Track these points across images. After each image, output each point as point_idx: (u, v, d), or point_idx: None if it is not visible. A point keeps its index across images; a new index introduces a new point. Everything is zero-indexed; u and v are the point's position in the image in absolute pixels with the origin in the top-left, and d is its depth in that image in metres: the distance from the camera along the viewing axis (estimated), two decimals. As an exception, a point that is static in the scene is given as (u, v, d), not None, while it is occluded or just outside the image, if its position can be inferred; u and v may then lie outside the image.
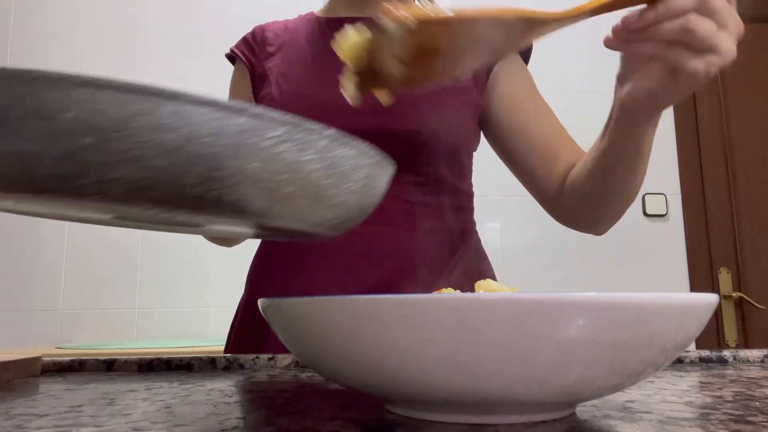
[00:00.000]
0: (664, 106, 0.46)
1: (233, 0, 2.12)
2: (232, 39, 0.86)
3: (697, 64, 0.40)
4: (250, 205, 0.26)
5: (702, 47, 0.39)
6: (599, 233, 0.70)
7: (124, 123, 0.22)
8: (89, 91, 0.22)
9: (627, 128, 0.50)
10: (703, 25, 0.39)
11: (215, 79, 2.03)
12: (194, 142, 0.23)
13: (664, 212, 2.03)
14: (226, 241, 0.78)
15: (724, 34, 0.40)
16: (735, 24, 0.40)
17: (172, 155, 0.23)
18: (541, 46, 2.37)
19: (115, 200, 0.24)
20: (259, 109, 0.25)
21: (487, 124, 0.76)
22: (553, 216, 0.73)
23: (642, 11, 0.41)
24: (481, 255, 0.76)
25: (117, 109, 0.22)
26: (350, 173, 0.29)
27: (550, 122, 0.72)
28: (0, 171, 0.23)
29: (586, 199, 0.64)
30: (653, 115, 0.48)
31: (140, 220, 0.31)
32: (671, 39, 0.40)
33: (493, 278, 0.74)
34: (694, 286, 1.98)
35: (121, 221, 0.33)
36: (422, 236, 0.70)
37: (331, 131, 0.27)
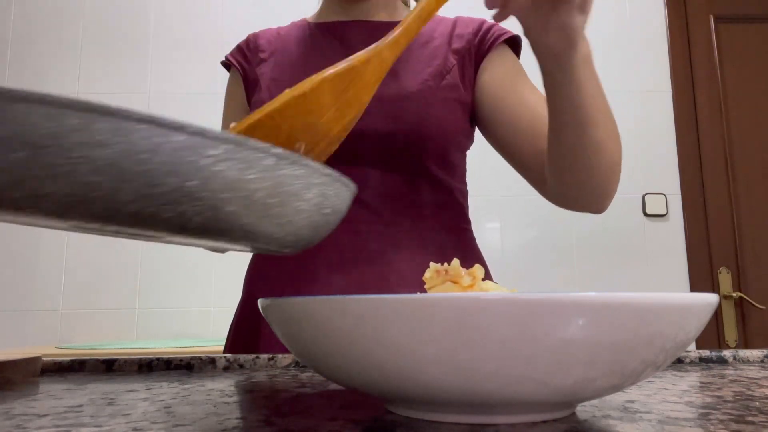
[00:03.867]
0: (576, 27, 0.48)
1: (233, 3, 2.11)
2: (231, 40, 0.87)
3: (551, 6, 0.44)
4: (190, 223, 0.26)
5: None
6: (592, 209, 0.66)
7: (57, 138, 0.22)
8: (24, 105, 0.21)
9: (555, 76, 0.52)
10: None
11: (215, 81, 2.04)
12: (130, 159, 0.23)
13: (664, 212, 2.03)
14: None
15: None
16: None
17: (106, 171, 0.23)
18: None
19: (50, 214, 0.24)
20: (200, 128, 0.24)
21: (476, 115, 0.76)
22: (545, 197, 0.72)
23: None
24: (476, 254, 0.76)
25: (50, 123, 0.22)
26: (300, 192, 0.29)
27: (536, 103, 0.71)
28: None
29: (553, 168, 0.62)
30: (571, 46, 0.49)
31: (95, 230, 0.30)
32: None
33: (489, 278, 0.74)
34: (694, 286, 1.98)
35: (80, 229, 0.32)
36: (417, 235, 0.70)
37: (278, 150, 0.27)
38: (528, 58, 0.60)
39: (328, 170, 0.30)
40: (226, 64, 0.82)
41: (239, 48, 0.81)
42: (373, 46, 0.43)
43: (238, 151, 0.25)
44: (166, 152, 0.24)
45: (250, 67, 0.79)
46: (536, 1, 0.47)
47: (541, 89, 0.58)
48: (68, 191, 0.23)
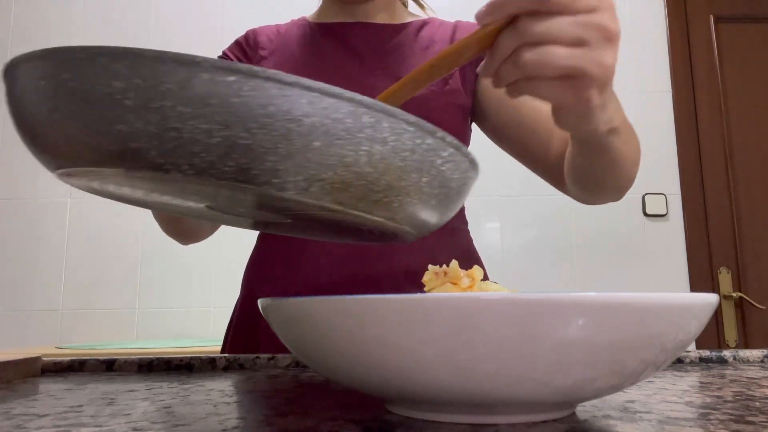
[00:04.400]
0: (586, 125, 0.42)
1: (233, 3, 2.12)
2: (231, 40, 0.86)
3: (557, 91, 0.36)
4: (401, 213, 0.30)
5: (552, 73, 0.35)
6: (611, 201, 0.67)
7: (352, 132, 0.25)
8: (333, 101, 0.25)
9: (575, 141, 0.50)
10: (536, 56, 0.34)
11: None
12: (396, 155, 0.27)
13: (664, 212, 2.03)
14: (183, 237, 0.77)
15: (582, 51, 0.34)
16: (597, 34, 0.34)
17: (377, 165, 0.26)
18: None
19: (310, 197, 0.27)
20: (441, 132, 0.28)
21: (479, 112, 0.76)
22: (562, 191, 0.72)
23: (485, 61, 0.38)
24: (474, 255, 0.76)
25: (352, 119, 0.25)
26: (461, 191, 0.33)
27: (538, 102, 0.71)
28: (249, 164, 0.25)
29: (573, 182, 0.63)
30: (586, 131, 0.43)
31: (236, 214, 0.35)
32: (517, 78, 0.36)
33: (486, 279, 0.74)
34: (694, 286, 1.98)
35: (211, 212, 0.36)
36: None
37: (470, 156, 0.31)
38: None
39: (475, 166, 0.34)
40: (224, 59, 0.81)
41: (238, 43, 0.80)
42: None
43: (456, 155, 0.30)
44: (420, 152, 0.27)
45: (249, 64, 0.78)
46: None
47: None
48: (340, 179, 0.26)
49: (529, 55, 0.34)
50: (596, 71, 0.35)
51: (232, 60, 0.79)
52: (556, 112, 0.40)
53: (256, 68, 0.24)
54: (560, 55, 0.34)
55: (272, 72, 0.24)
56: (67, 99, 0.24)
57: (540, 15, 0.34)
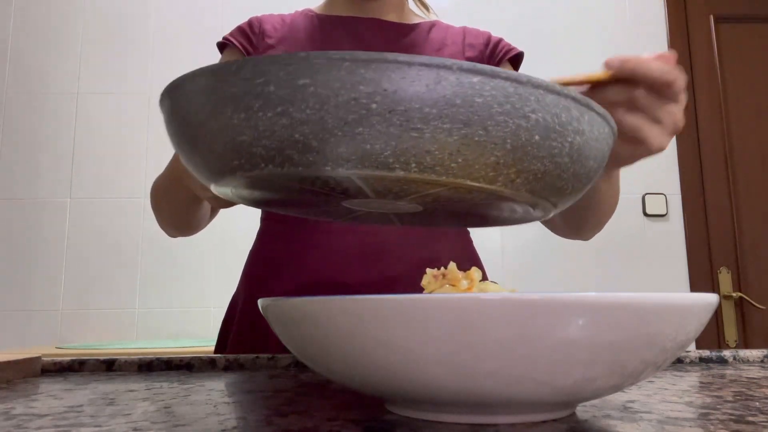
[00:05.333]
0: (610, 174, 0.53)
1: (234, 3, 2.12)
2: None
3: (621, 147, 0.46)
4: (567, 196, 0.32)
5: (623, 134, 0.45)
6: (582, 239, 0.76)
7: (564, 125, 0.27)
8: (555, 97, 0.26)
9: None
10: (624, 119, 0.44)
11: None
12: (590, 147, 0.29)
13: (664, 212, 2.03)
14: (183, 230, 0.77)
15: (656, 128, 0.44)
16: (671, 122, 0.44)
17: (572, 155, 0.28)
18: (542, 48, 2.36)
19: (516, 189, 0.29)
20: (602, 109, 0.29)
21: None
22: (542, 224, 0.75)
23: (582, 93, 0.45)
24: (473, 256, 0.76)
25: (566, 114, 0.27)
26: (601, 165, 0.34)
27: None
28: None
29: (561, 221, 0.70)
30: (625, 163, 0.52)
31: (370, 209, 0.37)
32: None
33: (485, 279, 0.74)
34: (694, 286, 1.98)
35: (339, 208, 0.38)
36: (412, 236, 0.70)
37: (615, 125, 0.32)
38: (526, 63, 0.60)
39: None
40: (223, 45, 0.78)
41: (241, 30, 0.78)
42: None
43: (611, 136, 0.31)
44: (601, 139, 0.30)
45: (255, 51, 0.76)
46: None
47: None
48: (539, 170, 0.28)
49: (622, 116, 0.44)
50: (654, 146, 0.46)
51: (237, 47, 0.77)
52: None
53: (497, 69, 0.25)
54: (642, 125, 0.44)
55: (508, 72, 0.25)
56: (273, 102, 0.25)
57: (650, 92, 0.43)
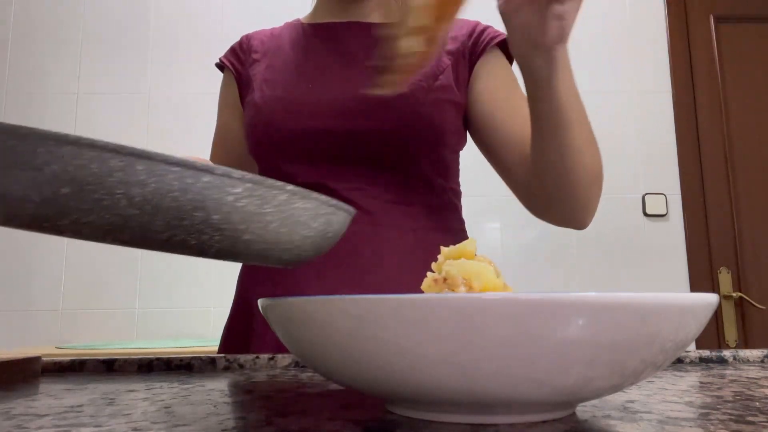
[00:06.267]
0: (543, 46, 0.51)
1: (234, 3, 2.12)
2: (232, 40, 0.87)
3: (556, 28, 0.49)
4: (211, 249, 0.30)
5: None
6: (573, 223, 0.69)
7: (100, 177, 0.26)
8: (73, 148, 0.25)
9: (529, 82, 0.55)
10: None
11: (214, 82, 2.03)
12: (163, 196, 0.27)
13: (664, 212, 2.03)
14: None
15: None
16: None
17: (142, 206, 0.27)
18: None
19: (89, 238, 0.28)
20: (226, 169, 0.28)
21: (468, 121, 0.76)
22: (530, 210, 0.73)
23: None
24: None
25: (97, 164, 0.25)
26: (308, 222, 0.32)
27: (527, 117, 0.72)
28: None
29: (537, 171, 0.64)
30: (538, 57, 0.52)
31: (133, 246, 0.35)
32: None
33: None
34: (694, 286, 1.98)
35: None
36: (409, 236, 0.70)
37: (291, 187, 0.30)
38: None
39: (333, 201, 0.34)
40: (220, 66, 0.83)
41: (232, 50, 0.82)
42: None
43: (257, 189, 0.29)
44: (195, 190, 0.27)
45: (243, 69, 0.79)
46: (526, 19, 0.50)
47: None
48: (107, 222, 0.27)
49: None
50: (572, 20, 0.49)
51: (228, 67, 0.80)
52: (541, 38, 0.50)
53: None
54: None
55: (8, 125, 0.25)
56: None
57: None
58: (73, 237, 0.28)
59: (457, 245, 0.37)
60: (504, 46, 0.77)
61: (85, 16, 2.08)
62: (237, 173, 0.28)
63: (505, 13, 0.51)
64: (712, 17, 2.15)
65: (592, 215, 0.68)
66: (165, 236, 0.28)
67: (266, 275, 0.71)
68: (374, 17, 0.78)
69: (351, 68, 0.73)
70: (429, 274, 0.37)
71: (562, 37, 0.50)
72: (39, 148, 0.25)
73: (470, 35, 0.76)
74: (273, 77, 0.74)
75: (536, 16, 0.49)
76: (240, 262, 0.33)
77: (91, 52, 2.06)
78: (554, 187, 0.63)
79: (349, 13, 0.78)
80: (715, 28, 2.14)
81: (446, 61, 0.73)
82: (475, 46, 0.75)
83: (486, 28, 0.77)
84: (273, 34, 0.81)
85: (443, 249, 0.38)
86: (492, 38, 0.76)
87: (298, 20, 0.82)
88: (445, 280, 0.35)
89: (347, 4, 0.77)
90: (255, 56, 0.79)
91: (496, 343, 0.23)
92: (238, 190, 0.28)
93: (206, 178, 0.27)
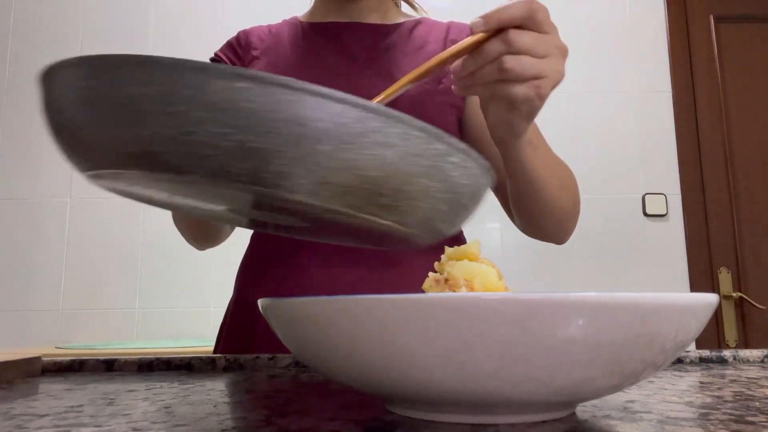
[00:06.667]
0: (521, 129, 0.50)
1: (234, 3, 2.12)
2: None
3: (526, 91, 0.44)
4: (411, 216, 0.31)
5: (524, 78, 0.44)
6: (553, 242, 0.73)
7: (361, 137, 0.26)
8: (341, 106, 0.25)
9: (505, 153, 0.55)
10: (517, 63, 0.43)
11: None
12: (406, 161, 0.27)
13: (664, 212, 2.03)
14: (203, 242, 0.78)
15: (546, 61, 0.44)
16: (557, 50, 0.45)
17: (385, 169, 0.27)
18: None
19: (324, 201, 0.28)
20: (449, 137, 0.29)
21: (465, 131, 0.76)
22: (517, 226, 0.74)
23: (463, 60, 0.45)
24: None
25: (360, 125, 0.26)
26: (478, 197, 0.34)
27: None
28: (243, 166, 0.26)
29: (514, 209, 0.67)
30: (516, 138, 0.51)
31: (255, 217, 0.37)
32: (495, 79, 0.44)
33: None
34: (694, 286, 1.98)
35: (232, 215, 0.38)
36: None
37: (484, 162, 0.32)
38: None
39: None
40: (216, 60, 0.81)
41: (229, 44, 0.80)
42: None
43: (468, 161, 0.30)
44: (427, 156, 0.28)
45: (241, 64, 0.78)
46: (493, 101, 0.48)
47: None
48: (346, 183, 0.27)
49: (513, 62, 0.43)
50: (555, 76, 0.45)
51: (225, 62, 0.79)
52: (508, 113, 0.47)
53: (266, 74, 0.25)
54: (534, 63, 0.44)
55: (282, 78, 0.24)
56: (95, 103, 0.26)
57: (523, 30, 0.43)
58: (304, 200, 0.27)
59: (462, 246, 0.37)
60: None
61: (85, 16, 2.08)
62: (459, 143, 0.29)
63: (459, 92, 0.49)
64: (712, 17, 2.15)
65: (570, 235, 0.72)
66: (387, 201, 0.28)
67: (265, 276, 0.71)
68: (373, 18, 0.78)
69: (352, 68, 0.73)
70: (431, 274, 0.37)
71: (529, 116, 0.48)
72: (311, 104, 0.25)
73: None
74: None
75: (493, 99, 0.47)
76: (424, 236, 0.34)
77: (91, 51, 2.06)
78: (529, 219, 0.67)
79: (348, 13, 0.78)
80: (715, 28, 2.14)
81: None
82: None
83: None
84: (271, 32, 0.80)
85: (447, 249, 0.38)
86: None
87: (296, 18, 0.82)
88: (446, 280, 0.35)
89: (345, 4, 0.77)
90: (254, 53, 0.78)
91: (496, 343, 0.23)
92: (456, 159, 0.29)
93: (437, 145, 0.28)
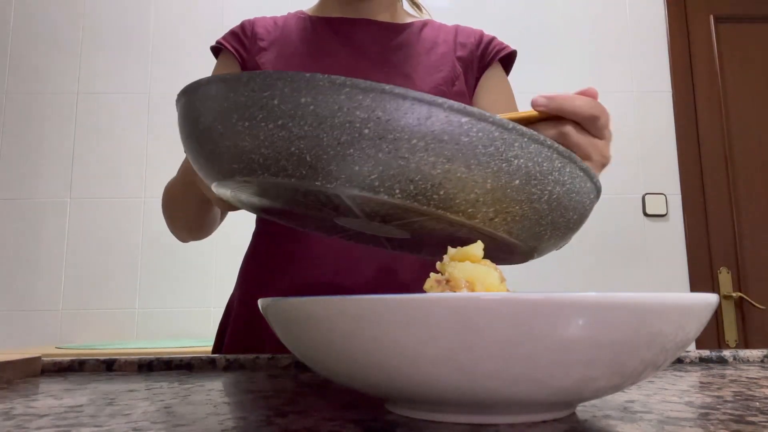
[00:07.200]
0: None
1: (234, 3, 2.12)
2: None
3: None
4: (546, 242, 0.34)
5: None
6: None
7: (545, 175, 0.29)
8: (539, 147, 0.28)
9: None
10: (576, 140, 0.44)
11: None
12: (567, 197, 0.30)
13: (664, 212, 2.03)
14: (193, 233, 0.78)
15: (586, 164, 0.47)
16: (600, 158, 0.45)
17: (552, 203, 0.30)
18: (542, 48, 2.35)
19: (490, 227, 0.31)
20: (592, 172, 0.32)
21: None
22: None
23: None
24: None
25: (548, 163, 0.29)
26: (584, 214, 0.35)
27: None
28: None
29: None
30: None
31: (359, 228, 0.40)
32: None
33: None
34: (694, 286, 1.98)
35: (335, 224, 0.41)
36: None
37: (597, 179, 0.34)
38: (519, 72, 0.60)
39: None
40: (217, 49, 0.79)
41: (234, 34, 0.78)
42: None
43: (594, 191, 0.34)
44: (582, 192, 0.31)
45: (249, 55, 0.76)
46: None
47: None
48: (523, 214, 0.30)
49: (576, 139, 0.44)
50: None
51: (229, 51, 0.77)
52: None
53: (485, 113, 0.27)
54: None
55: (497, 118, 0.27)
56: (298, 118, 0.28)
57: (580, 129, 0.43)
58: (478, 225, 0.30)
59: (464, 248, 0.37)
60: (507, 60, 0.78)
61: (85, 17, 2.08)
62: (595, 177, 0.33)
63: None
64: (712, 17, 2.15)
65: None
66: (542, 232, 0.31)
67: (268, 276, 0.71)
68: (383, 17, 0.78)
69: (364, 64, 0.73)
70: (432, 274, 0.37)
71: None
72: (516, 142, 0.27)
73: (478, 45, 0.77)
74: (284, 68, 0.73)
75: None
76: (534, 257, 0.36)
77: (91, 51, 2.06)
78: None
79: (358, 11, 0.77)
80: (715, 28, 2.14)
81: (459, 68, 0.74)
82: (482, 57, 0.77)
83: (492, 39, 0.78)
84: (277, 24, 0.79)
85: (450, 250, 0.38)
86: (500, 50, 0.77)
87: (302, 11, 0.81)
88: (447, 281, 0.35)
89: (357, 2, 0.77)
90: (262, 44, 0.76)
91: (496, 343, 0.23)
92: (592, 195, 0.33)
93: (588, 184, 0.32)
